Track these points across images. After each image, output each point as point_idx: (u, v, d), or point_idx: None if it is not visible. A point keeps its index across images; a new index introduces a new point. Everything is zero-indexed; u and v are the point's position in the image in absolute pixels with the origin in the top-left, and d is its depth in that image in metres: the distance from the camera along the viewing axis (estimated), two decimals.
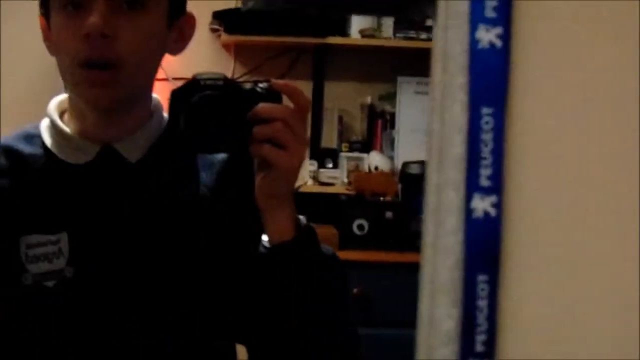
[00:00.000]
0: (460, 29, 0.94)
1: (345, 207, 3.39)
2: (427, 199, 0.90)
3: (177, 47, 1.39)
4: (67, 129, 1.39)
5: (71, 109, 1.41)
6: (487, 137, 0.93)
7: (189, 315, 1.40)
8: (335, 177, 3.62)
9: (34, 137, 1.41)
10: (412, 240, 3.32)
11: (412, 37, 3.63)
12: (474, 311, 0.89)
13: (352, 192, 3.47)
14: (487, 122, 0.94)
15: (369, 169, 3.58)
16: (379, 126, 3.73)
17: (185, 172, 1.40)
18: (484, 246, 0.90)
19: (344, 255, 3.33)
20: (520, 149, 0.90)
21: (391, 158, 3.66)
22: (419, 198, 3.47)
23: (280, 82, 1.26)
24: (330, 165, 3.66)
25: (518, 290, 0.87)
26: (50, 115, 1.41)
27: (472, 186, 0.93)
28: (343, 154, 3.66)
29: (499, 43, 0.94)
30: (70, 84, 1.34)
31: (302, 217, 1.32)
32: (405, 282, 3.26)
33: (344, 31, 3.57)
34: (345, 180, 3.59)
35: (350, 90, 3.76)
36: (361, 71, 3.75)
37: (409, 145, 3.64)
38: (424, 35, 3.64)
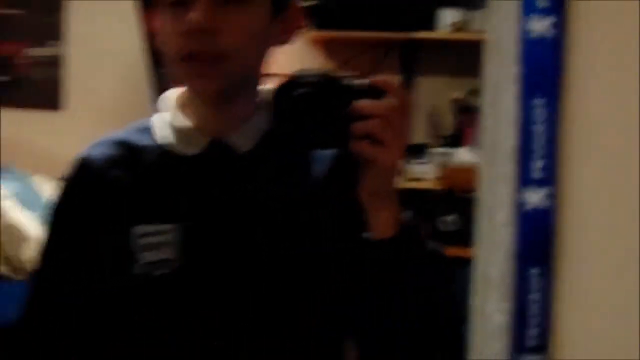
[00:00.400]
0: (513, 20, 0.93)
1: (436, 202, 3.36)
2: (480, 193, 0.89)
3: (284, 38, 1.39)
4: (180, 121, 1.41)
5: (186, 102, 1.43)
6: (539, 128, 0.91)
7: (301, 308, 1.40)
8: (425, 173, 3.59)
9: (146, 130, 1.43)
10: None
11: None
12: (525, 305, 0.87)
13: (442, 187, 3.44)
14: (539, 114, 0.92)
15: (459, 165, 3.54)
16: (468, 121, 3.68)
17: (295, 165, 1.40)
18: (535, 239, 0.89)
19: None
20: (574, 141, 0.88)
21: None
22: None
23: (381, 79, 1.25)
24: (420, 161, 3.64)
25: (572, 284, 0.85)
26: (168, 107, 1.44)
27: (523, 179, 0.91)
28: (432, 150, 3.63)
29: (551, 33, 0.92)
30: (176, 77, 1.36)
31: (407, 213, 1.31)
32: None
33: (432, 25, 3.54)
34: (435, 175, 3.56)
35: (440, 85, 3.73)
36: (451, 66, 3.71)
37: None
38: None
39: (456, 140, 3.65)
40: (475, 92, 3.66)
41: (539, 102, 0.86)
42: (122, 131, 1.46)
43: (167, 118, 1.45)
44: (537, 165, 0.87)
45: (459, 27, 3.52)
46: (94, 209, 1.40)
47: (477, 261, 0.90)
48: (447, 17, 3.54)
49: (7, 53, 3.82)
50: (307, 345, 1.41)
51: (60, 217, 1.45)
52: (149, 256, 1.36)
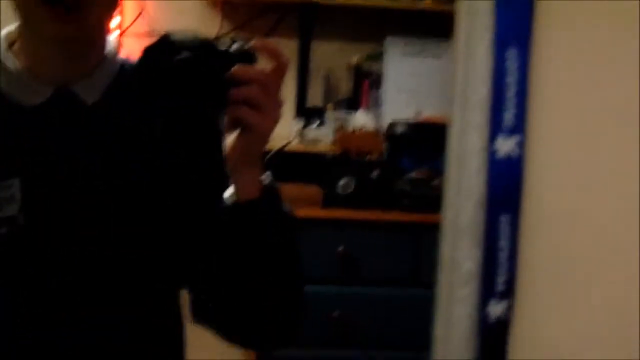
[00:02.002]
0: None
1: (331, 165, 3.38)
2: (450, 143, 0.91)
3: None
4: (15, 66, 1.32)
5: (22, 44, 1.36)
6: (511, 78, 0.94)
7: (139, 259, 1.39)
8: (321, 136, 3.61)
9: None
10: (397, 199, 3.32)
11: None
12: (495, 252, 0.90)
13: (337, 151, 3.47)
14: (511, 64, 0.94)
15: (355, 128, 3.57)
16: (365, 86, 3.71)
17: (142, 117, 1.37)
18: (506, 187, 0.91)
19: (329, 214, 3.36)
20: (544, 90, 0.91)
21: (377, 118, 3.66)
22: (404, 157, 3.48)
23: (260, 42, 1.24)
24: (316, 124, 3.65)
25: (538, 231, 0.88)
26: (2, 50, 1.37)
27: (495, 128, 0.94)
28: (329, 113, 3.65)
29: None
30: (29, 22, 1.30)
31: (267, 174, 1.32)
32: (391, 240, 3.29)
33: None
34: (331, 139, 3.58)
35: (337, 49, 3.74)
36: (348, 31, 3.73)
37: (395, 105, 3.63)
38: None
39: (352, 104, 3.68)
40: (371, 57, 3.70)
41: (512, 51, 0.88)
42: None
43: (4, 62, 1.38)
44: (508, 115, 0.90)
45: None
46: None
47: (445, 209, 0.92)
48: None
49: None
50: (142, 297, 1.41)
51: None
52: None
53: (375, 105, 3.65)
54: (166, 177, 1.38)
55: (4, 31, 1.36)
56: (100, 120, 1.34)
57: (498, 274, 0.86)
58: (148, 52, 1.18)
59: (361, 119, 3.56)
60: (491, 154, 0.84)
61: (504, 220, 0.86)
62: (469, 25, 0.84)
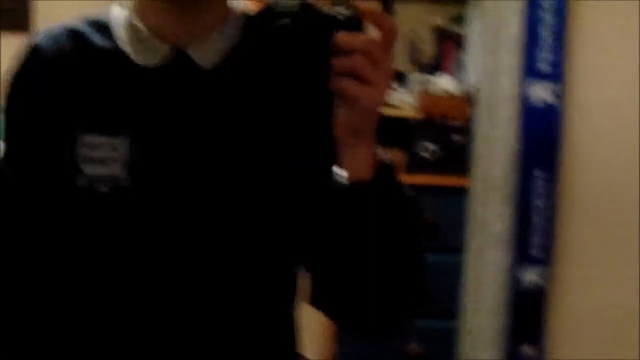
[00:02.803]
0: None
1: (414, 130, 3.33)
2: (481, 87, 0.84)
3: None
4: (140, 25, 1.33)
5: (142, 5, 1.34)
6: (546, 16, 0.85)
7: (253, 236, 1.34)
8: (404, 100, 3.56)
9: (105, 28, 1.35)
10: None
11: None
12: (529, 211, 0.83)
13: (421, 116, 3.41)
14: (546, 5, 0.87)
15: (438, 93, 3.51)
16: (449, 49, 3.64)
17: (254, 86, 1.34)
18: (541, 139, 0.84)
19: (411, 179, 3.29)
20: (584, 33, 0.84)
21: (461, 81, 3.58)
22: None
23: (365, 7, 1.17)
24: (399, 88, 3.60)
25: (578, 189, 0.82)
26: (124, 8, 1.35)
27: (529, 72, 0.86)
28: (412, 77, 3.59)
29: None
30: None
31: (381, 151, 1.25)
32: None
33: None
34: (415, 103, 3.52)
35: (420, 11, 3.68)
36: None
37: (479, 68, 3.55)
38: None
39: (436, 67, 3.62)
40: (456, 19, 3.62)
41: None
42: (79, 22, 1.36)
43: (125, 20, 1.36)
44: (544, 58, 0.82)
45: None
46: (42, 109, 1.31)
47: (475, 163, 0.86)
48: None
49: None
50: (255, 274, 1.36)
51: (9, 116, 1.38)
52: (94, 169, 1.28)
53: (458, 68, 3.57)
54: (278, 150, 1.34)
55: None
56: (214, 86, 1.31)
57: (532, 237, 0.79)
58: (252, 22, 1.16)
59: (445, 83, 3.48)
60: (524, 100, 0.77)
61: (538, 175, 0.79)
62: None
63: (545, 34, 0.82)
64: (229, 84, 1.32)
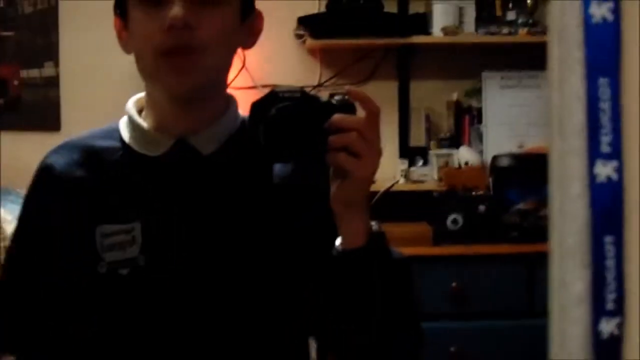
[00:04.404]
0: (575, 4, 0.99)
1: (439, 203, 3.42)
2: (551, 167, 0.95)
3: (249, 41, 1.44)
4: (143, 123, 1.42)
5: (149, 104, 1.45)
6: (605, 105, 0.97)
7: (260, 307, 1.43)
8: (426, 175, 3.66)
9: (112, 133, 1.45)
10: (506, 232, 3.34)
11: (493, 32, 3.64)
12: (602, 271, 0.93)
13: (443, 188, 3.50)
14: (604, 92, 0.98)
15: (459, 165, 3.61)
16: (466, 122, 3.74)
17: (259, 169, 1.44)
18: (608, 209, 0.95)
19: (439, 251, 3.39)
20: (635, 116, 0.94)
21: (480, 152, 3.68)
22: (510, 190, 3.49)
23: (353, 90, 1.31)
24: (421, 163, 3.70)
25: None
26: (128, 111, 1.43)
27: (594, 153, 0.97)
28: (432, 152, 3.69)
29: (610, 17, 0.98)
30: (149, 75, 1.37)
31: (374, 223, 1.36)
32: (502, 273, 3.30)
33: (426, 30, 3.61)
34: (436, 177, 3.62)
35: (436, 88, 3.79)
36: (445, 69, 3.78)
37: (497, 139, 3.66)
38: (505, 30, 3.65)
39: (455, 140, 3.72)
40: (470, 92, 3.73)
41: (603, 80, 0.91)
42: (86, 135, 1.50)
43: (128, 120, 1.46)
44: (605, 140, 0.93)
45: (451, 30, 3.59)
46: (58, 211, 1.41)
47: (552, 232, 0.95)
48: (440, 22, 3.61)
49: (2, 76, 3.80)
50: (268, 343, 1.44)
51: (26, 222, 1.46)
52: (113, 255, 1.37)
53: (477, 140, 3.68)
54: (281, 226, 1.43)
55: (134, 98, 1.49)
56: (215, 170, 1.43)
57: (607, 293, 0.89)
58: (256, 106, 1.27)
59: (465, 155, 3.59)
60: (591, 178, 0.87)
61: (608, 240, 0.89)
62: (560, 54, 0.88)
63: (604, 119, 0.93)
64: (228, 168, 1.45)
